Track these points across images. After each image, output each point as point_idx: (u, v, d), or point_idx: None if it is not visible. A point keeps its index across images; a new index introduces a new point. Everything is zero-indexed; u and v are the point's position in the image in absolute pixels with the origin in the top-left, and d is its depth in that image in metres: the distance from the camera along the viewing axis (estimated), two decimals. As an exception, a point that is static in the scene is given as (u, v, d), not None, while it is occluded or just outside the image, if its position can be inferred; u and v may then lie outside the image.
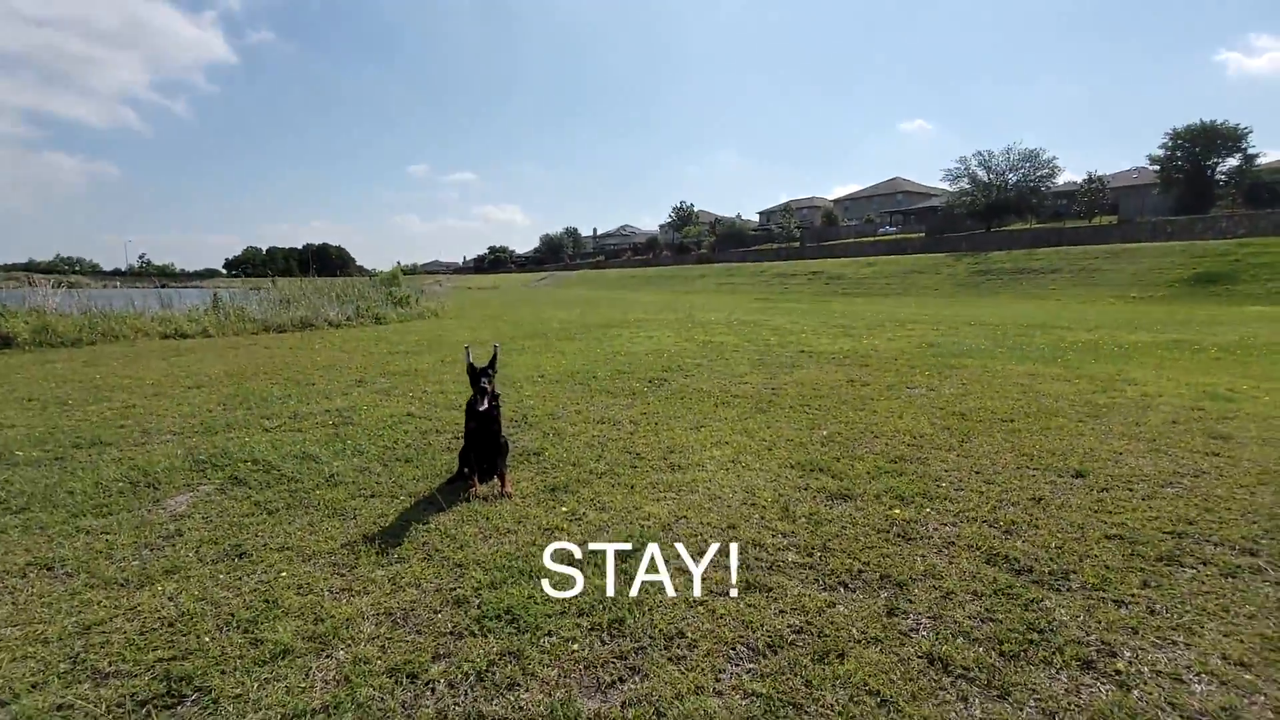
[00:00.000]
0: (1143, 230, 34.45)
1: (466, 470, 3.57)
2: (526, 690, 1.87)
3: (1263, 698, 1.80)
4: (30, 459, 4.07)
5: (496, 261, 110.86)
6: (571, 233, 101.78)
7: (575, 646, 2.07)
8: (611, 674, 1.95)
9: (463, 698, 1.85)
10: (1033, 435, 4.43)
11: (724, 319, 14.91)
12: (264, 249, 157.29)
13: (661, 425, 4.84)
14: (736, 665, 1.98)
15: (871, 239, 52.28)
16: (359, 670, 1.95)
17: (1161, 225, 34.22)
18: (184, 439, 4.59)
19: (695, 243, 68.54)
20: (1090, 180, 43.88)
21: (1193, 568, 2.54)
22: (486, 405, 3.40)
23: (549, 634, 2.14)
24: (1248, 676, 1.89)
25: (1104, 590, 2.36)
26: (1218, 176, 38.07)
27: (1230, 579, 2.44)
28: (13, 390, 6.50)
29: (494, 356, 3.65)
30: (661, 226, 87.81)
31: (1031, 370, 7.07)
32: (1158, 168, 40.47)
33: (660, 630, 2.15)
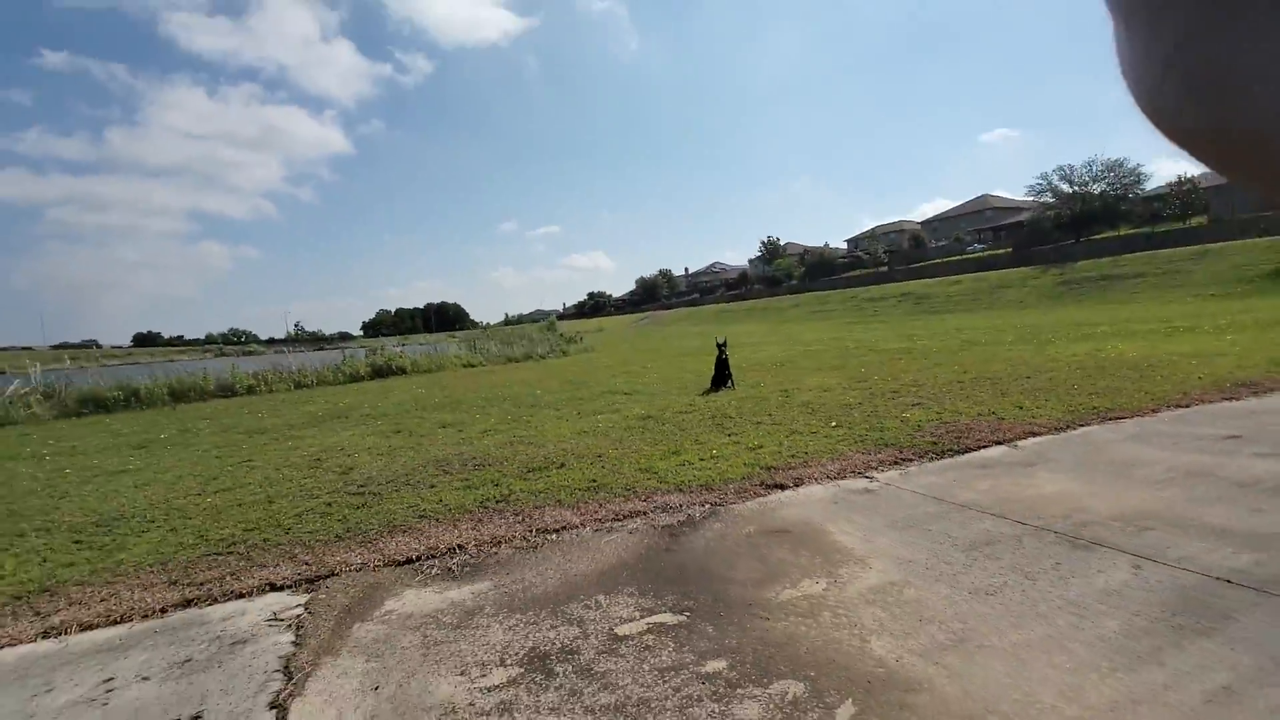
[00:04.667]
0: (1233, 228, 35.47)
1: (714, 386, 9.26)
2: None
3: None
4: (544, 399, 10.28)
5: (597, 306, 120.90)
6: (665, 273, 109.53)
7: (769, 399, 7.70)
8: (776, 395, 7.55)
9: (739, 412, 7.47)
10: (955, 366, 9.53)
11: (817, 337, 20.14)
12: (392, 310, 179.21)
13: (786, 378, 10.38)
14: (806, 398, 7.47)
15: (959, 257, 54.82)
16: (697, 403, 7.65)
17: (1253, 222, 35.10)
18: (584, 398, 10.62)
19: (786, 274, 72.91)
20: (1181, 182, 44.71)
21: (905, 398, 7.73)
22: (723, 355, 9.12)
23: (766, 399, 7.78)
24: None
25: (896, 392, 7.62)
26: (1317, 169, 38.09)
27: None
28: (448, 386, 13.08)
29: (724, 340, 9.37)
30: (751, 260, 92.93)
31: (1009, 349, 11.88)
32: (1251, 165, 40.87)
33: (791, 399, 7.72)
